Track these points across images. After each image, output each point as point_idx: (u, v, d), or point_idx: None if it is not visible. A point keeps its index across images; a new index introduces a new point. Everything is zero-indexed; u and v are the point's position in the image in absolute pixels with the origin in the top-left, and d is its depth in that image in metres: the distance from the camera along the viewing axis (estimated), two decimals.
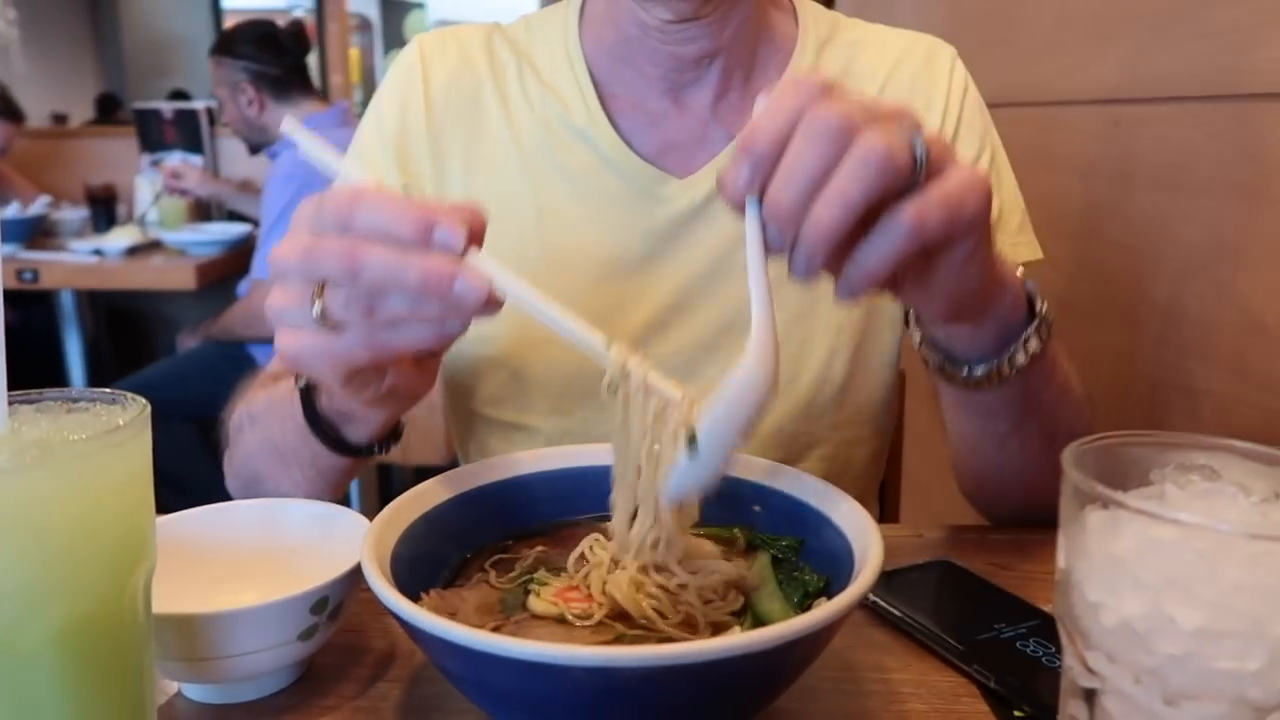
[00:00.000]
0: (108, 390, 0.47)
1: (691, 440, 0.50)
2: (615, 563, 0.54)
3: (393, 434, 0.72)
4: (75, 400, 0.47)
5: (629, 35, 0.86)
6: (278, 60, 2.72)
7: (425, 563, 0.56)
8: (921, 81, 0.90)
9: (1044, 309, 0.66)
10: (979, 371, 0.67)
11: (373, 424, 0.68)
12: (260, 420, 0.79)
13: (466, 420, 0.95)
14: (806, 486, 0.59)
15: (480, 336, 0.89)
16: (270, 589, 0.55)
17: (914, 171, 0.50)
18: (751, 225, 0.51)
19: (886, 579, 0.68)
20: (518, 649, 0.41)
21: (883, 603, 0.65)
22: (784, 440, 0.87)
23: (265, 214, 2.58)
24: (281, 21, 2.90)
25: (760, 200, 0.50)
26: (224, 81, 2.72)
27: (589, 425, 0.86)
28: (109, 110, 7.12)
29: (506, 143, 0.88)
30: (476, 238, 0.51)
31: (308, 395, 0.69)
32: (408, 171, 0.89)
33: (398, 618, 0.45)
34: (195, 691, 0.57)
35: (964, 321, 0.64)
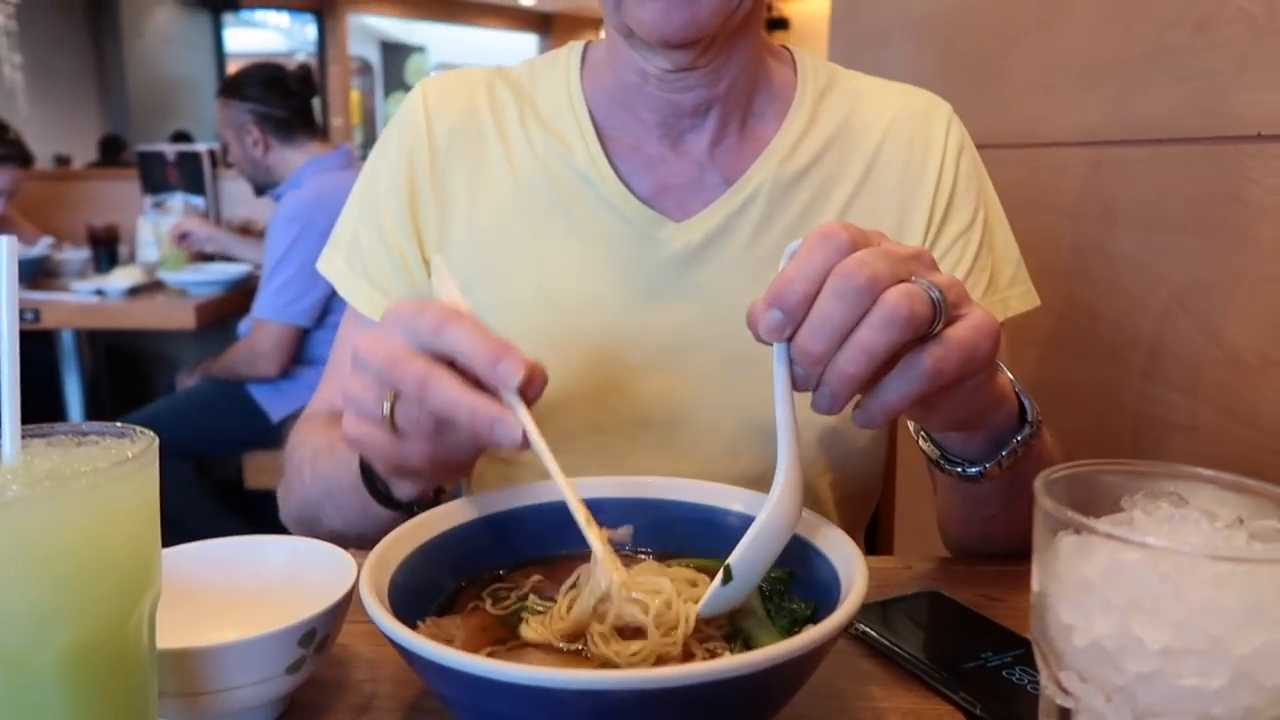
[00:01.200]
0: (116, 424, 0.48)
1: (727, 574, 0.55)
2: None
3: (437, 493, 0.74)
4: (85, 434, 0.48)
5: (628, 82, 0.88)
6: (284, 102, 2.76)
7: (422, 592, 0.57)
8: (919, 138, 0.92)
9: (1034, 415, 0.70)
10: (972, 471, 0.71)
11: (422, 488, 0.71)
12: (320, 463, 0.83)
13: None
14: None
15: None
16: (250, 624, 0.55)
17: (934, 321, 0.55)
18: (779, 363, 0.55)
19: (875, 609, 0.69)
20: (510, 673, 0.42)
21: (872, 632, 0.66)
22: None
23: (269, 255, 2.61)
24: (287, 65, 2.95)
25: (789, 342, 0.55)
26: (230, 123, 2.77)
27: (584, 464, 0.87)
28: (113, 152, 7.19)
29: (507, 182, 0.91)
30: (533, 386, 0.57)
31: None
32: (416, 215, 0.91)
33: (396, 644, 0.46)
34: None
35: (960, 431, 0.69)
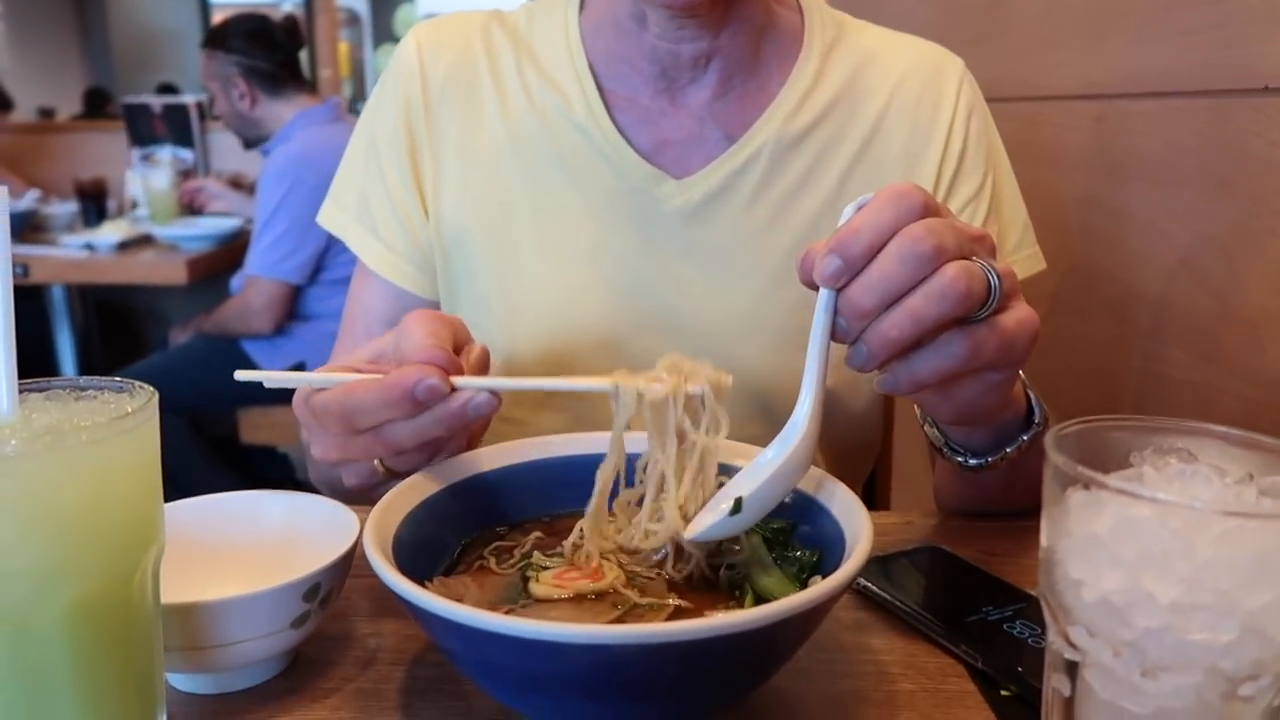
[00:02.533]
0: (115, 379, 0.48)
1: (737, 505, 0.55)
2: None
3: None
4: (83, 388, 0.48)
5: (627, 30, 0.86)
6: (270, 55, 2.71)
7: (425, 548, 0.57)
8: (928, 96, 0.90)
9: (1042, 415, 0.70)
10: (973, 462, 0.71)
11: None
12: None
13: None
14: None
15: (477, 326, 0.90)
16: (251, 579, 0.55)
17: (986, 304, 0.55)
18: (823, 311, 0.55)
19: (876, 564, 0.69)
20: (520, 628, 0.42)
21: (873, 586, 0.66)
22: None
23: (259, 211, 2.58)
24: (273, 15, 2.90)
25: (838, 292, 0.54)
26: (215, 75, 2.72)
27: (578, 422, 0.87)
28: (98, 105, 7.08)
29: (501, 133, 0.89)
30: (449, 366, 0.58)
31: None
32: (416, 164, 0.89)
33: (405, 601, 0.46)
34: (183, 682, 0.57)
35: (966, 425, 0.69)
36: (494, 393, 0.57)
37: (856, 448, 0.95)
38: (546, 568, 0.56)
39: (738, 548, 0.57)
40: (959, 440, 0.72)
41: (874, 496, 1.27)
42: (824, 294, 0.55)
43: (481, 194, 0.89)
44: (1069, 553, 0.40)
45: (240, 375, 0.61)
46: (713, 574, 0.58)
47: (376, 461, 0.63)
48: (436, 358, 0.58)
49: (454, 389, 0.57)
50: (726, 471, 0.59)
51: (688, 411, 0.56)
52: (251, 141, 2.82)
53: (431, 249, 0.91)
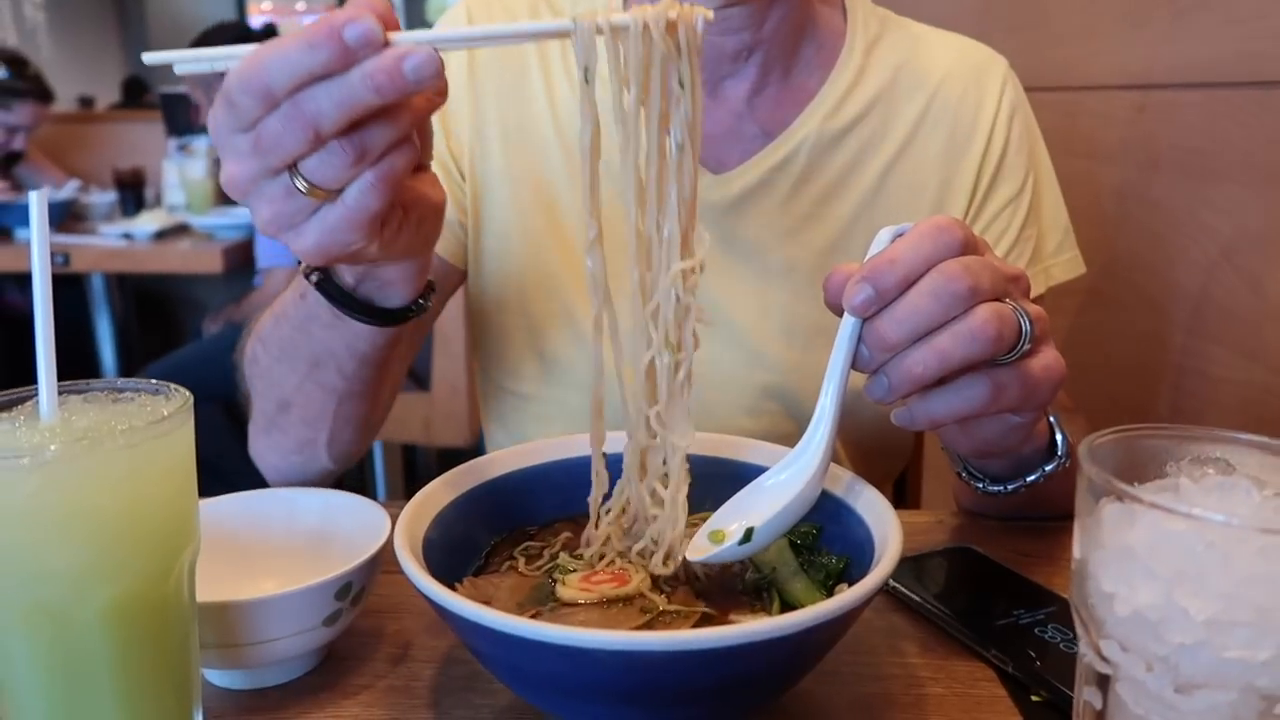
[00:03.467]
0: (152, 381, 0.48)
1: (748, 535, 0.55)
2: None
3: (429, 288, 0.68)
4: (120, 390, 0.49)
5: None
6: None
7: (455, 548, 0.57)
8: (970, 97, 0.89)
9: (1065, 449, 0.67)
10: (993, 489, 0.69)
11: (408, 277, 0.64)
12: (278, 340, 0.74)
13: (492, 394, 0.96)
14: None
15: (506, 305, 0.90)
16: (285, 575, 0.56)
17: (1015, 349, 0.54)
18: (846, 339, 0.54)
19: (906, 564, 0.69)
20: (550, 634, 0.43)
21: (903, 588, 0.66)
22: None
23: None
24: (302, 6, 2.94)
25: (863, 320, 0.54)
26: (199, 83, 2.79)
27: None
28: (136, 94, 7.17)
29: (547, 124, 0.88)
30: (385, 21, 0.48)
31: (328, 285, 0.64)
32: (448, 130, 0.89)
33: (434, 604, 0.47)
34: (218, 677, 0.58)
35: (985, 459, 0.68)
36: (437, 51, 0.46)
37: (888, 446, 0.94)
38: (573, 570, 0.56)
39: (765, 554, 0.57)
40: (978, 467, 0.71)
41: (905, 493, 1.26)
42: (849, 321, 0.54)
43: (523, 177, 0.88)
44: (1102, 565, 0.40)
45: (147, 58, 0.52)
46: (738, 578, 0.58)
47: (296, 180, 0.50)
48: (376, 5, 0.47)
49: (389, 43, 0.46)
50: (739, 472, 0.59)
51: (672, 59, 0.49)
52: None
53: (463, 211, 0.90)
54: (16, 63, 3.10)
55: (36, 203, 0.45)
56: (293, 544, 0.64)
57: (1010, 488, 0.69)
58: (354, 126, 0.48)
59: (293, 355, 0.73)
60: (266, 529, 0.65)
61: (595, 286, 0.53)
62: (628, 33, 0.49)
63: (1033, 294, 0.87)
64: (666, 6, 0.49)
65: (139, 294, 3.68)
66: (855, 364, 0.55)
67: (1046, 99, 1.32)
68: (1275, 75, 0.90)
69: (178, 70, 0.52)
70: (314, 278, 0.64)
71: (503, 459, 0.64)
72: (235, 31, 2.81)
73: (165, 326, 3.81)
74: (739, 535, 0.55)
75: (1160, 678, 0.38)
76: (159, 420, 0.44)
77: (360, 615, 0.62)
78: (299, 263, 0.66)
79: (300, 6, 7.68)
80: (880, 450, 0.93)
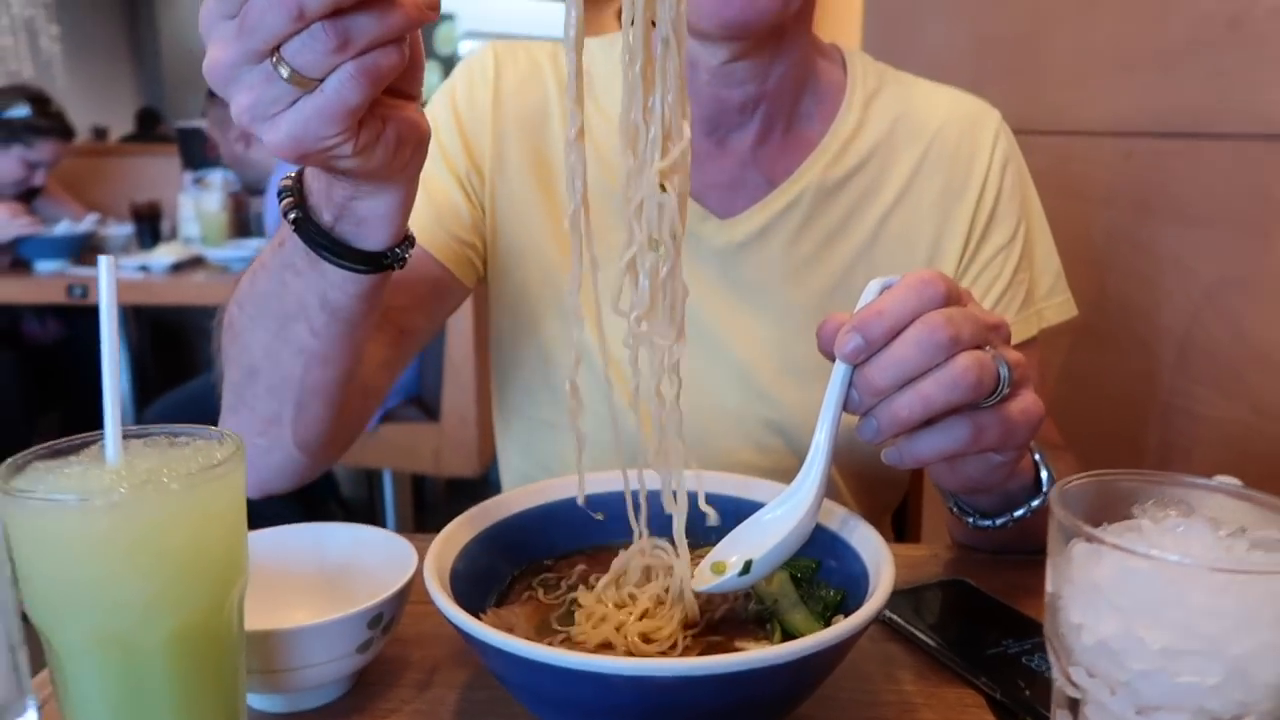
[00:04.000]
0: (207, 427, 0.53)
1: (746, 566, 0.59)
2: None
3: (407, 239, 0.67)
4: (177, 435, 0.53)
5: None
6: None
7: (479, 579, 0.62)
8: (964, 149, 0.93)
9: (1049, 485, 0.72)
10: (983, 523, 0.74)
11: (384, 215, 0.63)
12: (253, 296, 0.73)
13: (506, 418, 1.01)
14: (823, 511, 0.65)
15: (519, 331, 0.94)
16: (318, 606, 0.60)
17: (995, 392, 0.59)
18: (838, 383, 0.59)
19: (903, 596, 0.73)
20: (571, 660, 0.47)
21: (899, 619, 0.70)
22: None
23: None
24: None
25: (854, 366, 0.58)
26: (217, 120, 2.87)
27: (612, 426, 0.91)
28: (149, 125, 7.29)
29: (563, 163, 0.92)
30: None
31: (306, 225, 0.63)
32: (471, 155, 0.93)
33: (461, 631, 0.51)
34: (258, 701, 0.62)
35: (972, 495, 0.73)
36: None
37: (884, 480, 0.98)
38: (583, 606, 0.60)
39: (768, 586, 0.61)
40: (967, 503, 0.75)
41: (905, 526, 1.30)
42: (840, 367, 0.58)
43: (539, 205, 0.92)
44: (1071, 599, 0.44)
45: None
46: (743, 609, 0.62)
47: (279, 68, 0.49)
48: None
49: None
50: (738, 508, 0.64)
51: None
52: (253, 188, 2.96)
53: (476, 233, 0.93)
54: (40, 100, 3.17)
55: (105, 269, 0.50)
56: (323, 576, 0.69)
57: (999, 522, 0.73)
58: (340, 13, 0.47)
59: (265, 312, 0.71)
60: (299, 562, 0.69)
61: (577, 255, 0.57)
62: None
63: (1025, 335, 0.92)
64: None
65: (154, 324, 3.75)
66: (846, 407, 0.59)
67: (1040, 142, 1.37)
68: (1252, 128, 0.95)
69: None
70: (293, 215, 0.63)
71: (518, 497, 0.68)
72: None
73: (179, 356, 3.87)
74: (739, 567, 0.59)
75: (1123, 701, 0.42)
76: (215, 465, 0.49)
77: (389, 644, 0.66)
78: None
79: None
80: (878, 483, 0.97)
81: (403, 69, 0.51)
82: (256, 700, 0.62)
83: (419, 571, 0.59)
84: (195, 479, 0.48)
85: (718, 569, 0.60)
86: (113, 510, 0.46)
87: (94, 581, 0.46)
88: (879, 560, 0.58)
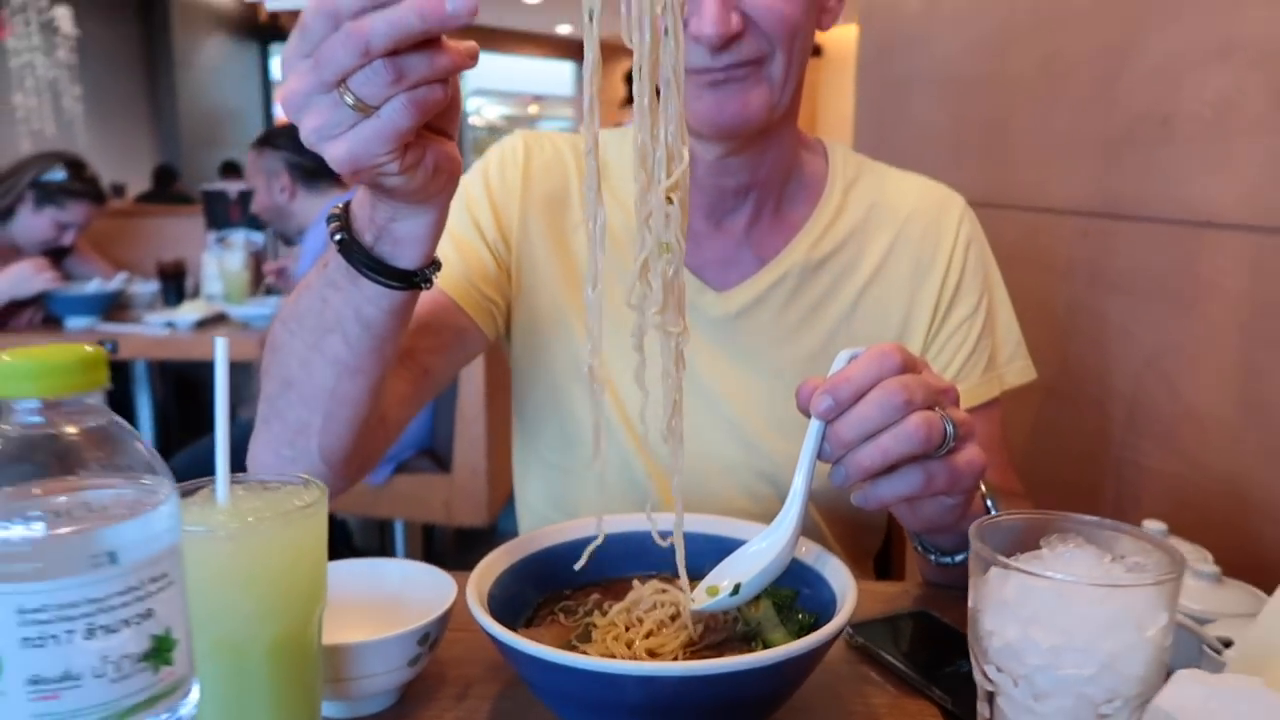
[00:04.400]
0: (297, 475, 0.65)
1: (736, 588, 0.71)
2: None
3: (434, 263, 0.76)
4: (268, 481, 0.65)
5: None
6: (315, 154, 3.01)
7: (511, 604, 0.73)
8: (931, 232, 1.06)
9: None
10: (943, 560, 0.87)
11: (419, 237, 0.72)
12: (297, 313, 0.80)
13: (526, 462, 1.12)
14: (800, 548, 0.77)
15: (537, 384, 1.06)
16: (370, 628, 0.71)
17: (943, 445, 0.71)
18: (813, 437, 0.72)
19: (875, 625, 0.84)
20: (587, 663, 0.58)
21: (870, 644, 0.81)
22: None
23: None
24: None
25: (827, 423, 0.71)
26: (261, 170, 3.03)
27: (627, 468, 1.02)
28: (166, 182, 7.50)
29: (583, 246, 1.03)
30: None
31: (350, 245, 0.73)
32: (500, 224, 1.04)
33: (497, 642, 0.63)
34: (325, 708, 0.73)
35: (932, 533, 0.85)
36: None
37: (864, 527, 1.10)
38: (598, 627, 0.72)
39: (754, 611, 0.73)
40: (930, 542, 0.87)
41: (890, 566, 1.40)
42: (815, 423, 0.71)
43: (558, 271, 1.04)
44: (985, 611, 0.56)
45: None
46: (733, 629, 0.73)
47: (345, 96, 0.59)
48: None
49: None
50: (730, 545, 0.76)
51: None
52: (288, 237, 3.11)
53: (499, 291, 1.03)
54: (76, 165, 3.33)
55: (220, 350, 0.63)
56: (377, 602, 0.80)
57: (957, 559, 0.85)
58: (398, 52, 0.57)
59: (305, 326, 0.79)
60: (358, 590, 0.81)
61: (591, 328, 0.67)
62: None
63: (988, 396, 1.04)
64: None
65: (177, 378, 3.87)
66: (820, 456, 0.71)
67: (1012, 215, 1.51)
68: (1180, 215, 1.09)
69: (269, 6, 0.65)
70: (339, 236, 0.73)
71: (547, 534, 0.80)
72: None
73: (201, 410, 3.99)
74: (729, 589, 0.71)
75: (1023, 691, 0.53)
76: (306, 505, 0.61)
77: (430, 663, 0.77)
78: None
79: None
80: (859, 529, 1.09)
81: (445, 105, 0.62)
82: (324, 707, 0.73)
83: (459, 599, 0.71)
84: (292, 516, 0.60)
85: (712, 591, 0.71)
86: (230, 540, 0.58)
87: (212, 596, 0.58)
88: (845, 589, 0.69)
